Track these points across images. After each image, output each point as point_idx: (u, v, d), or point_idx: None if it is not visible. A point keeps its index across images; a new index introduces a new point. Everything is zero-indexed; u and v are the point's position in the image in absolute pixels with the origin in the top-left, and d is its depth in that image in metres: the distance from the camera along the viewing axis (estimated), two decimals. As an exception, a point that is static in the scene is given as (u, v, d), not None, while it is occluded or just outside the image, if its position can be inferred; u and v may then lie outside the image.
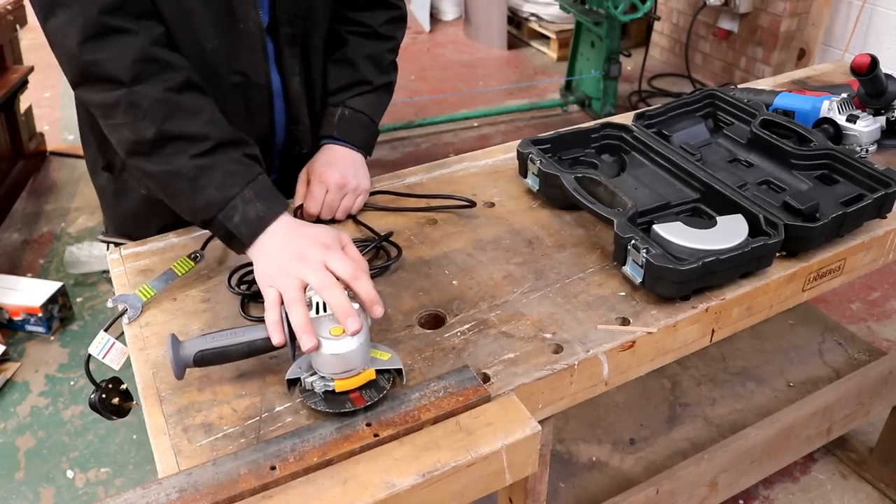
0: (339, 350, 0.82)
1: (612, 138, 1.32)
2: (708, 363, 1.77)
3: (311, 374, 0.86)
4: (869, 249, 1.16)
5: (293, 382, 0.89)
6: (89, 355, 1.00)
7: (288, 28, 1.15)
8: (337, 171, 1.19)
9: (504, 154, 1.40)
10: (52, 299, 2.56)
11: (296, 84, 1.21)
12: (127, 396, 1.00)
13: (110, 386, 0.98)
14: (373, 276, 0.96)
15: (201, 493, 0.75)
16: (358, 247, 0.97)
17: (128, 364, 0.98)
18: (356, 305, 0.86)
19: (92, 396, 0.97)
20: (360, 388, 0.85)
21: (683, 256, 1.00)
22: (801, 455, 1.68)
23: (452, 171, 1.35)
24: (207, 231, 1.06)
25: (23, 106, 3.46)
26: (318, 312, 0.86)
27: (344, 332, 0.83)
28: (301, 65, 1.21)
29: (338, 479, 0.78)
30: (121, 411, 0.99)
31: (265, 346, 0.87)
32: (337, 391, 0.84)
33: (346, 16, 1.27)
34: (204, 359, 0.87)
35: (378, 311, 0.87)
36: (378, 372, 0.87)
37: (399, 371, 0.89)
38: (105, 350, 1.01)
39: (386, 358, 0.89)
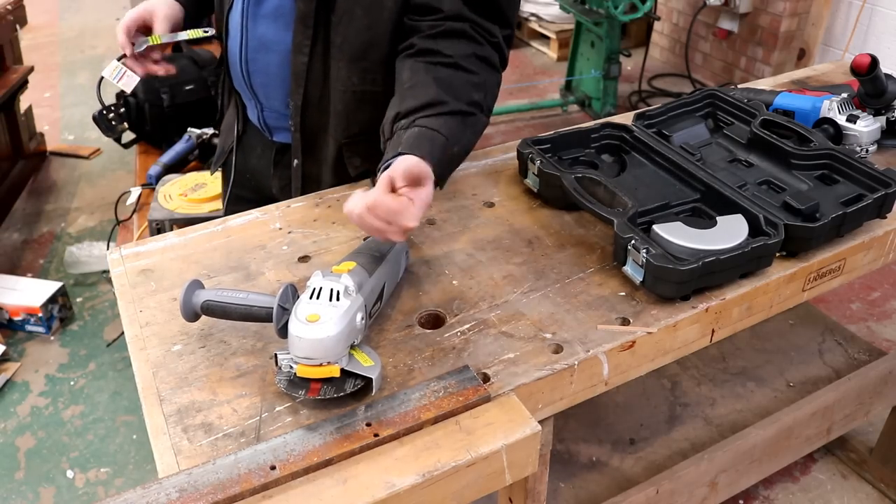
0: (304, 334, 0.82)
1: (612, 138, 1.32)
2: (708, 363, 1.77)
3: (287, 353, 0.86)
4: (869, 249, 1.16)
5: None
6: (102, 77, 1.24)
7: (302, 4, 1.16)
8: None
9: (504, 154, 1.40)
10: (52, 299, 2.56)
11: (299, 62, 1.21)
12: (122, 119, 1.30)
13: (113, 107, 1.31)
14: None
15: (201, 493, 0.75)
16: None
17: (128, 365, 0.99)
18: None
19: (94, 113, 1.29)
20: (322, 381, 0.85)
21: (683, 256, 1.00)
22: (801, 455, 1.68)
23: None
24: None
25: (23, 106, 3.46)
26: (311, 298, 0.86)
27: (319, 318, 0.83)
28: (314, 49, 1.20)
29: (338, 479, 0.78)
30: (114, 130, 1.37)
31: (261, 315, 0.90)
32: (298, 375, 0.85)
33: (418, 46, 1.12)
34: (209, 309, 0.92)
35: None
36: (346, 373, 0.85)
37: (369, 381, 0.86)
38: (119, 76, 1.22)
39: (366, 364, 0.87)
